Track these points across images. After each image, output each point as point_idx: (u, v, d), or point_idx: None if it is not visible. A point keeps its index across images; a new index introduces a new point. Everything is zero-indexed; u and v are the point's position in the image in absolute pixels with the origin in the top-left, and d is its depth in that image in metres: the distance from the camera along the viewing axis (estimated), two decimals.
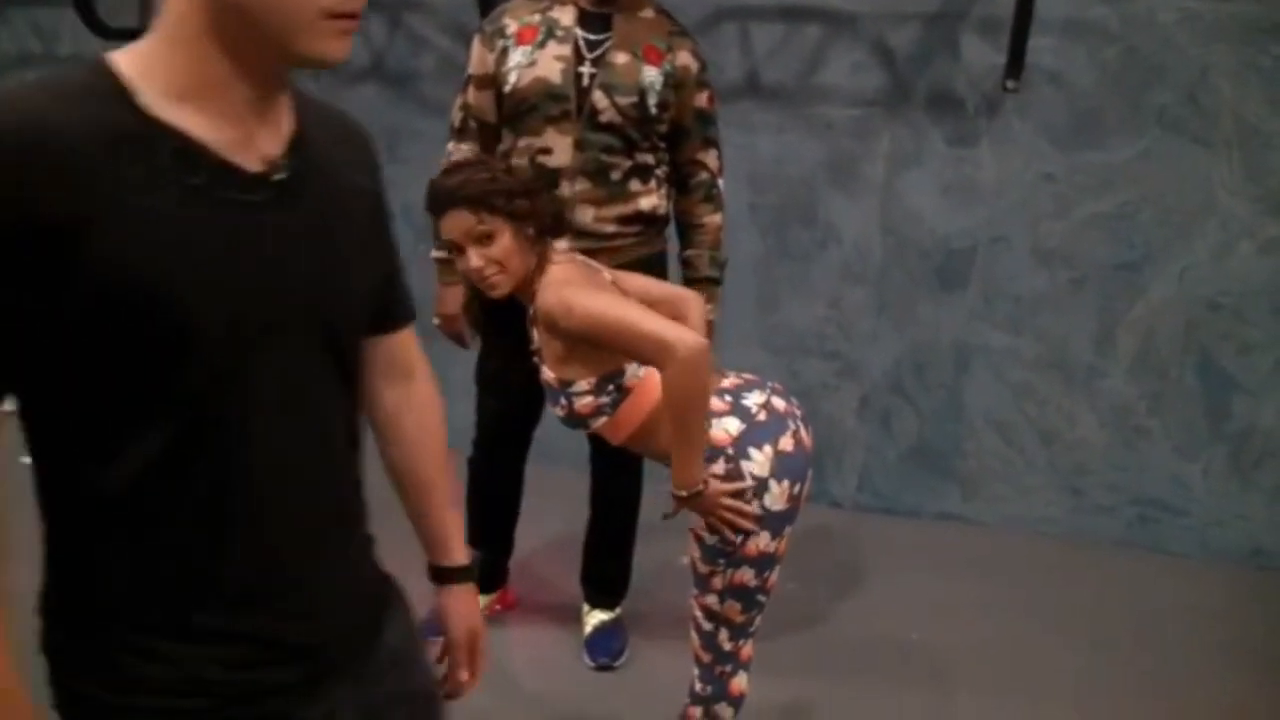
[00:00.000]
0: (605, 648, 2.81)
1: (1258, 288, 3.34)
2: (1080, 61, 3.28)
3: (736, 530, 1.86)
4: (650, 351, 1.78)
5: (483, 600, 2.94)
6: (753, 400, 1.94)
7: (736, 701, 2.09)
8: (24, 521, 1.07)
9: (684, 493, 1.85)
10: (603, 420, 1.96)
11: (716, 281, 2.66)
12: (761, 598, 1.99)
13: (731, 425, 1.90)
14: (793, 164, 3.61)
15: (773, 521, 1.90)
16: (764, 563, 1.93)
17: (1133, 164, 3.32)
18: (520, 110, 2.46)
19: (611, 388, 1.93)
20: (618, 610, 2.91)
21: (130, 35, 3.72)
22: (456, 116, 2.62)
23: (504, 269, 1.90)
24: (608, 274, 2.04)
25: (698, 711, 2.10)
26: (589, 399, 1.93)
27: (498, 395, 2.75)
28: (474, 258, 1.89)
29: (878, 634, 3.01)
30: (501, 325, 2.63)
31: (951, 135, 3.44)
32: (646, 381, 1.94)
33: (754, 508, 1.87)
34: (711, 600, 1.98)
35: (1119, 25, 3.23)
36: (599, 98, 2.41)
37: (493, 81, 2.50)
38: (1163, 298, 3.40)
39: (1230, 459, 3.48)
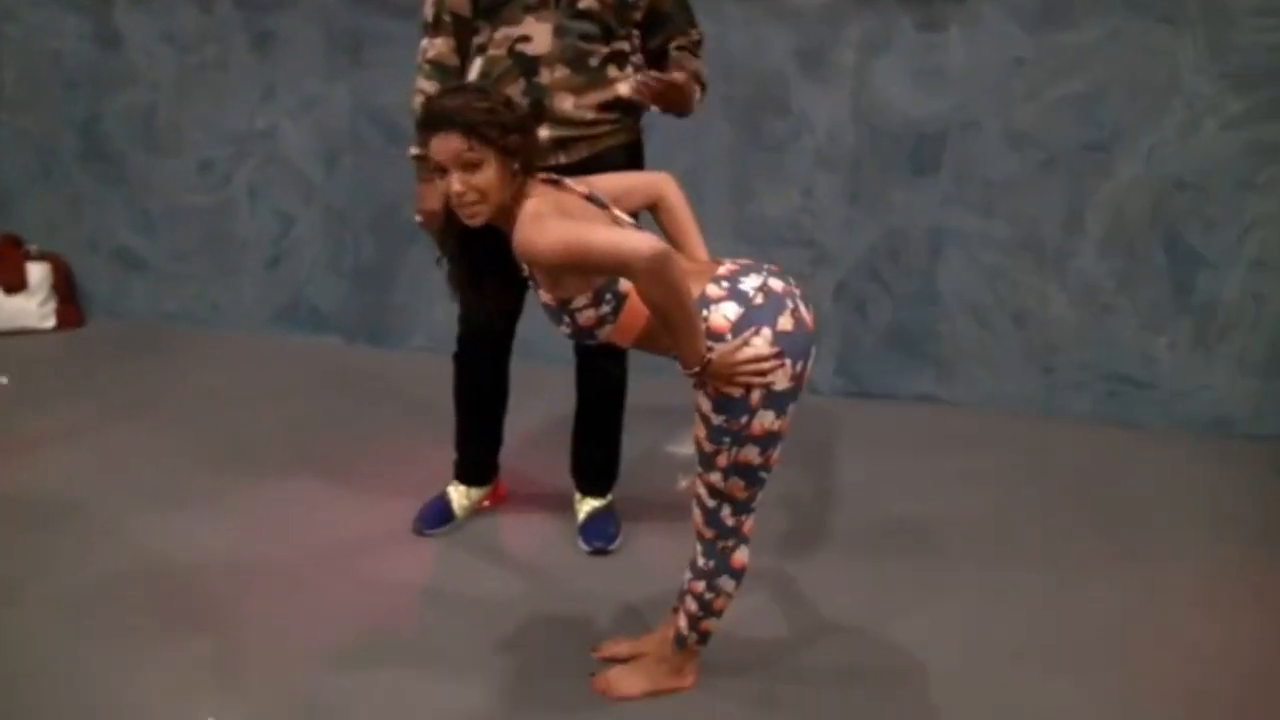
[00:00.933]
0: (599, 533, 2.88)
1: (1222, 164, 3.40)
2: None
3: (761, 377, 1.90)
4: (613, 268, 1.84)
5: (475, 494, 3.00)
6: (749, 284, 1.96)
7: (738, 574, 2.16)
8: None
9: (694, 369, 1.89)
10: (608, 329, 2.01)
11: (696, 77, 2.59)
12: (764, 475, 2.04)
13: (730, 310, 1.93)
14: (763, 55, 3.60)
15: (777, 400, 1.93)
16: (768, 441, 1.98)
17: (1101, 44, 3.36)
18: (498, 1, 2.45)
19: (609, 296, 1.96)
20: (609, 497, 2.97)
21: None
22: (429, 11, 2.59)
23: (484, 199, 1.93)
24: (579, 187, 2.06)
25: (701, 585, 2.17)
26: (590, 312, 1.97)
27: (476, 295, 2.77)
28: (456, 182, 1.91)
29: (862, 510, 3.10)
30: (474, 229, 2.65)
31: (921, 21, 3.45)
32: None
33: (768, 350, 1.89)
34: (716, 478, 2.03)
35: None
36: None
37: None
38: (1131, 177, 3.46)
39: (1195, 332, 3.58)
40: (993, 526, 3.02)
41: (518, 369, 2.92)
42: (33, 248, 4.57)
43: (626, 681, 2.29)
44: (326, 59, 4.05)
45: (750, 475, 2.02)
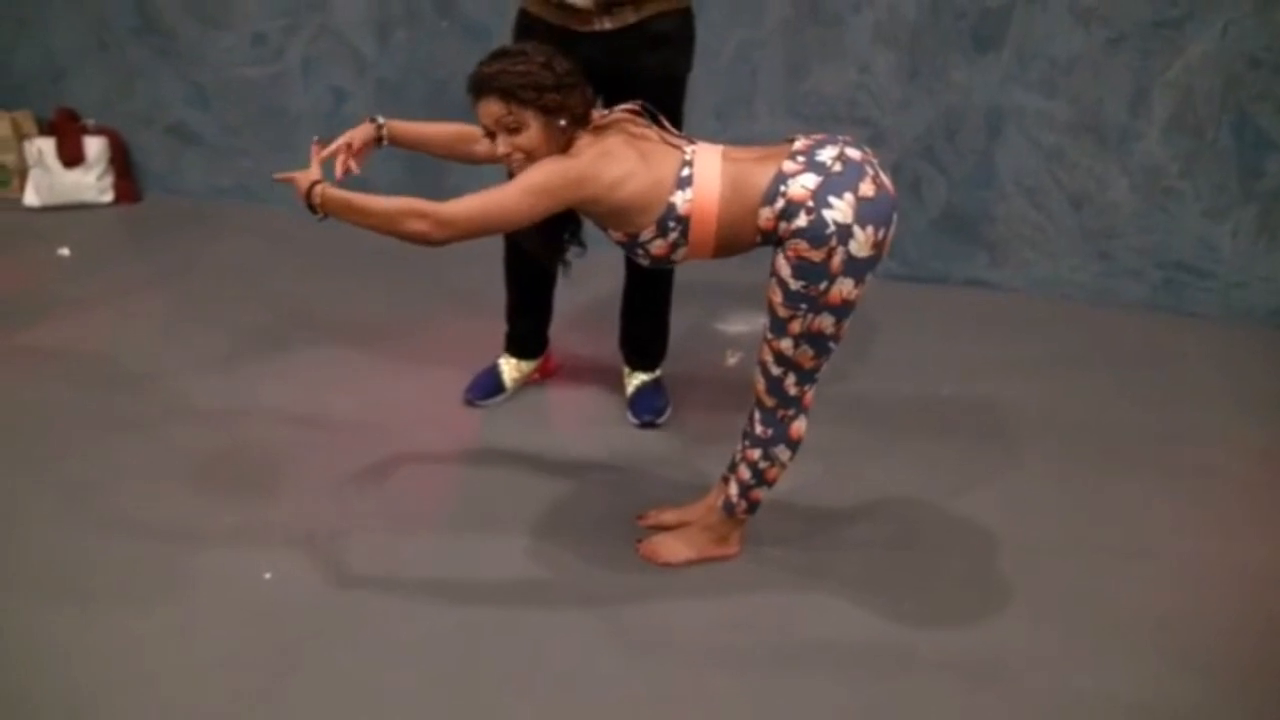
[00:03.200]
0: (649, 406, 2.91)
1: None
2: None
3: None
4: (462, 200, 1.96)
5: (525, 367, 3.04)
6: (826, 155, 1.95)
7: (795, 444, 2.18)
8: None
9: (313, 206, 2.03)
10: (682, 251, 2.05)
11: None
12: (834, 345, 2.05)
13: (809, 180, 1.92)
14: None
15: (857, 267, 1.94)
16: (844, 310, 1.99)
17: None
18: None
19: (671, 223, 2.00)
20: (658, 371, 2.99)
21: None
22: None
23: (530, 157, 2.02)
24: (628, 121, 2.11)
25: (757, 453, 2.19)
26: (659, 242, 2.03)
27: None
28: (502, 144, 2.03)
29: (911, 392, 3.10)
30: None
31: None
32: (698, 202, 1.99)
33: (839, 254, 1.91)
34: (786, 345, 2.04)
35: None
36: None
37: None
38: (1202, 55, 3.34)
39: (1259, 219, 3.49)
40: (1041, 412, 3.01)
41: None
42: (89, 122, 4.60)
43: (671, 548, 2.33)
44: None
45: (821, 344, 2.04)
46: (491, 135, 2.04)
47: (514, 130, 2.01)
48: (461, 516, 2.47)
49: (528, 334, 3.04)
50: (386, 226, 1.96)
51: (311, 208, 2.01)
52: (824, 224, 1.90)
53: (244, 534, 2.36)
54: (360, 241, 3.73)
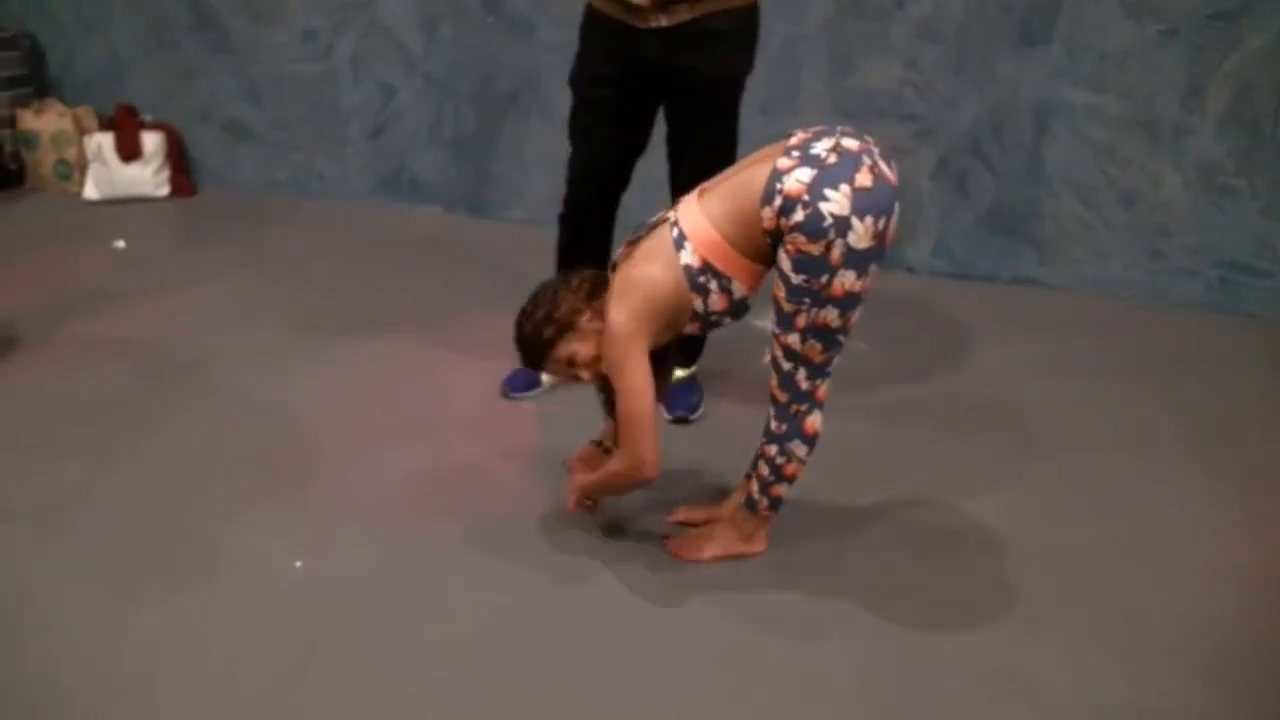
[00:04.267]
0: (682, 401, 2.90)
1: None
2: None
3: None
4: (628, 434, 2.09)
5: None
6: (821, 147, 1.93)
7: (811, 440, 2.16)
8: None
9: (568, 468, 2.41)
10: (736, 285, 2.07)
11: None
12: (842, 338, 2.03)
13: (803, 175, 1.90)
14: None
15: (857, 259, 1.91)
16: (848, 302, 1.96)
17: None
18: None
19: (701, 279, 2.05)
20: (693, 367, 2.98)
21: None
22: None
23: (593, 364, 2.15)
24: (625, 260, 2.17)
25: (773, 449, 2.17)
26: (713, 299, 2.08)
27: (589, 148, 2.77)
28: (582, 377, 2.18)
29: (949, 388, 3.05)
30: (597, 77, 2.66)
31: None
32: (699, 242, 2.04)
33: (838, 247, 1.90)
34: (793, 339, 2.03)
35: None
36: None
37: None
38: (1260, 48, 3.25)
39: None
40: (1084, 412, 2.94)
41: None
42: (147, 117, 4.71)
43: (698, 546, 2.32)
44: None
45: (828, 338, 2.01)
46: (573, 379, 2.20)
47: (571, 365, 2.16)
48: (490, 511, 2.47)
49: None
50: (622, 492, 2.29)
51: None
52: (820, 217, 1.88)
53: (278, 523, 2.39)
54: (410, 233, 3.79)
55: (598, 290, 2.17)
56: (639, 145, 2.76)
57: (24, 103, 4.83)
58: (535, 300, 2.19)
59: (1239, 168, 3.39)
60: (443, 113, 4.24)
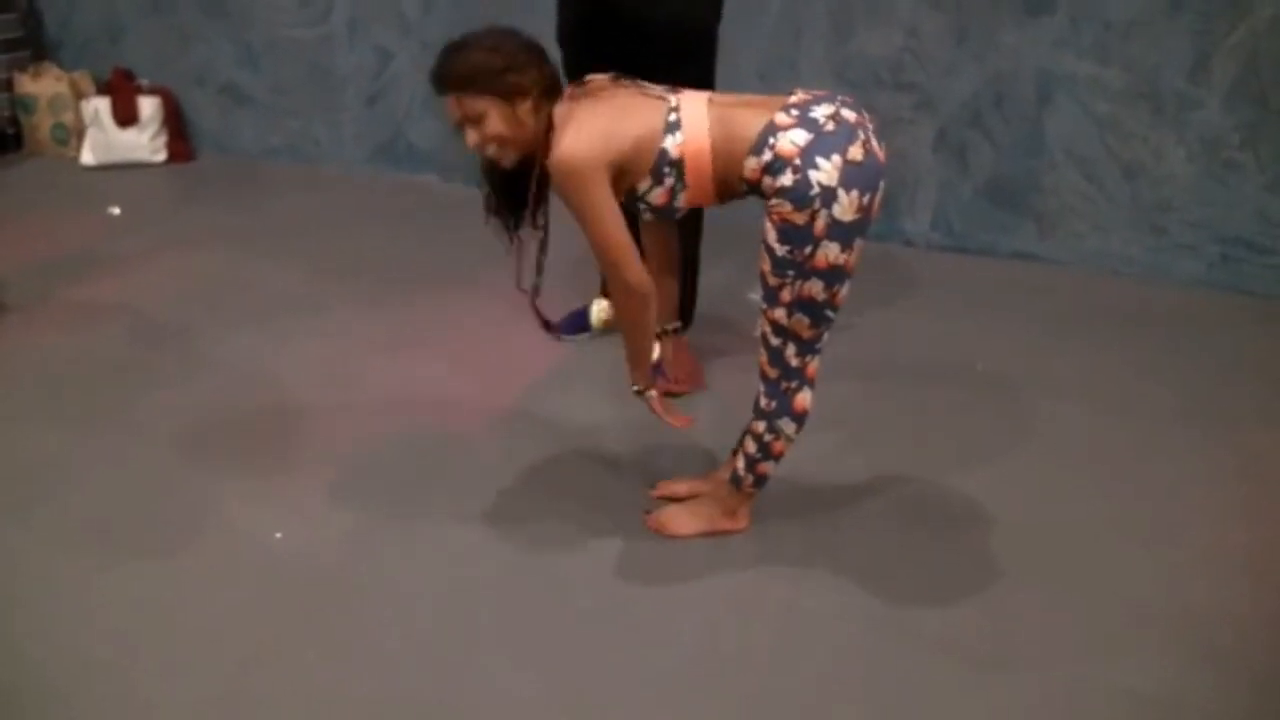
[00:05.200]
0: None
1: None
2: None
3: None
4: (606, 265, 1.97)
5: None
6: (820, 112, 1.90)
7: (800, 418, 2.13)
8: None
9: (635, 388, 2.16)
10: (683, 196, 2.00)
11: None
12: (830, 313, 2.00)
13: (799, 137, 1.87)
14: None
15: (841, 231, 1.89)
16: (833, 275, 1.93)
17: None
18: None
19: (666, 169, 1.96)
20: (684, 335, 2.95)
21: None
22: None
23: (503, 143, 1.97)
24: (601, 92, 2.05)
25: (761, 426, 2.15)
26: (657, 190, 1.99)
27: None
28: (470, 137, 1.97)
29: (942, 363, 3.01)
30: (576, 32, 2.67)
31: None
32: (689, 144, 1.94)
33: (823, 217, 1.88)
34: (780, 314, 2.00)
35: None
36: None
37: None
38: (1270, 17, 3.18)
39: None
40: (1078, 390, 2.90)
41: None
42: (144, 82, 4.67)
43: (679, 520, 2.30)
44: None
45: (815, 312, 1.98)
46: (461, 129, 1.99)
47: (477, 121, 1.95)
48: (472, 482, 2.46)
49: None
50: (647, 331, 2.09)
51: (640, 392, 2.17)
52: (808, 184, 1.85)
53: (260, 493, 2.38)
54: (409, 199, 3.77)
55: (554, 91, 2.03)
56: None
57: (21, 66, 4.81)
58: (497, 38, 2.01)
59: (1244, 141, 3.32)
60: None
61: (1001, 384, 2.91)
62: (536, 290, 2.30)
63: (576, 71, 2.69)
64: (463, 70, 1.95)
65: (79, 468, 2.47)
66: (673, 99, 2.00)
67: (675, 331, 2.44)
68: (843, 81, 3.61)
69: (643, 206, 2.04)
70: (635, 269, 1.97)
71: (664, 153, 1.95)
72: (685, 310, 2.95)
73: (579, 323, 3.13)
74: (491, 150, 1.99)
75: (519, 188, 2.11)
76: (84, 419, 2.67)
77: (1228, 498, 2.45)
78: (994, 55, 3.45)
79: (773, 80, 3.51)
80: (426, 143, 4.33)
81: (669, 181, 1.98)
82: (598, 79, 2.08)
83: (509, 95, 1.95)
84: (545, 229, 2.19)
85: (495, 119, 1.95)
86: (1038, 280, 3.53)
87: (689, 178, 1.97)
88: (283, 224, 3.95)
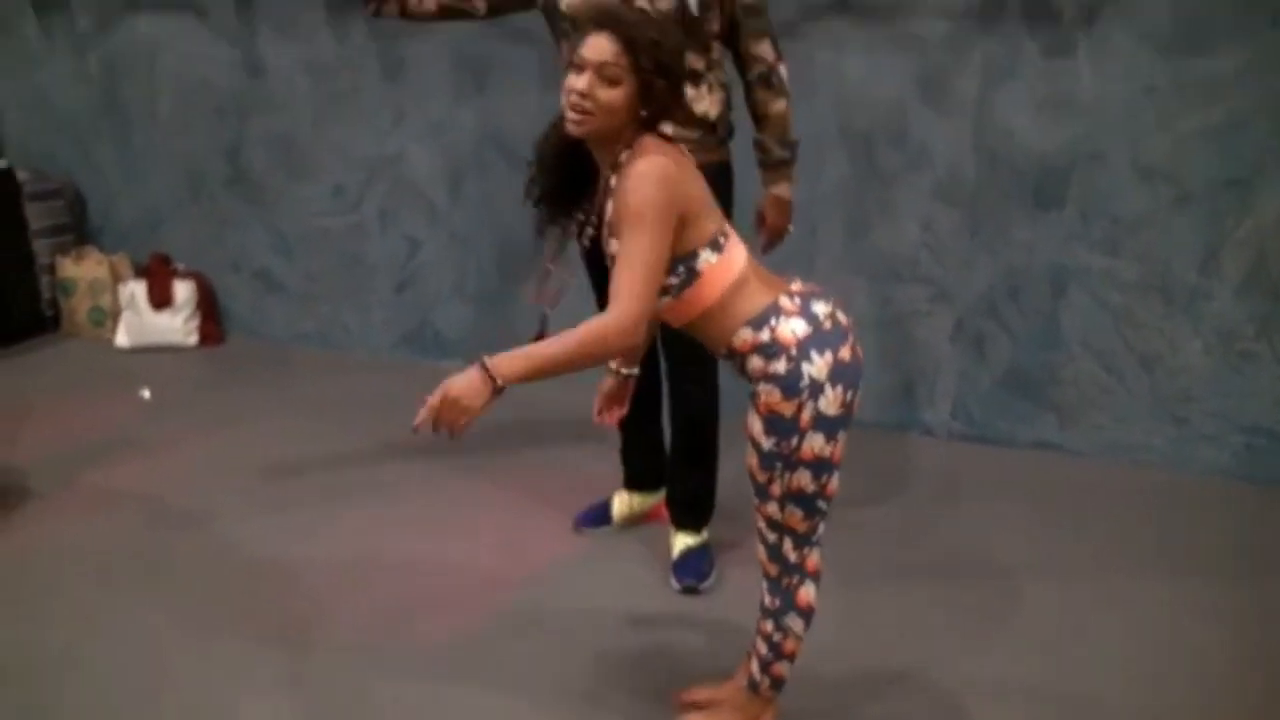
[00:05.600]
0: (691, 570, 2.83)
1: None
2: None
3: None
4: (621, 289, 1.82)
5: (636, 501, 3.14)
6: (820, 309, 1.96)
7: (806, 614, 2.10)
8: None
9: (494, 381, 1.83)
10: (667, 301, 1.96)
11: (788, 161, 2.72)
12: (822, 504, 2.00)
13: (799, 327, 1.92)
14: (882, 82, 3.52)
15: (826, 424, 1.92)
16: (820, 466, 1.95)
17: (1245, 71, 3.15)
18: (575, 25, 2.51)
19: (682, 269, 1.92)
20: (704, 534, 2.92)
21: None
22: None
23: (598, 114, 1.87)
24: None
25: (769, 625, 2.12)
26: (671, 278, 1.93)
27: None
28: (584, 81, 1.85)
29: (962, 558, 2.97)
30: (593, 245, 2.70)
31: (1047, 47, 3.31)
32: (718, 268, 1.93)
33: (809, 409, 1.90)
34: (772, 509, 2.01)
35: None
36: (643, 3, 2.44)
37: None
38: (1276, 213, 3.24)
39: None
40: (1100, 585, 2.85)
41: None
42: (180, 266, 4.81)
43: None
44: (454, 85, 4.14)
45: (807, 504, 1.99)
46: (579, 70, 1.87)
47: (608, 81, 1.85)
48: (489, 680, 2.42)
49: (635, 466, 3.12)
50: (582, 364, 1.83)
51: (496, 391, 1.84)
52: (800, 375, 1.90)
53: (273, 687, 2.36)
54: (432, 387, 3.80)
55: (653, 124, 1.95)
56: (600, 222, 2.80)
57: (64, 250, 4.96)
58: (682, 50, 1.97)
59: (1259, 332, 3.34)
60: (466, 268, 4.31)
61: (1014, 575, 2.89)
62: (545, 322, 2.20)
63: (595, 272, 2.78)
64: (644, 36, 1.86)
65: (88, 662, 2.45)
66: (727, 227, 1.99)
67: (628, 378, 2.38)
68: (861, 275, 3.68)
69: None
70: (641, 314, 1.82)
71: (694, 255, 1.91)
72: (702, 508, 2.93)
73: (600, 515, 3.12)
74: (584, 107, 1.86)
75: (565, 174, 2.02)
76: (96, 611, 2.66)
77: (1257, 695, 2.38)
78: (1007, 249, 3.51)
79: (790, 274, 3.55)
80: (453, 330, 4.42)
81: (672, 280, 1.92)
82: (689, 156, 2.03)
83: (649, 92, 1.88)
84: (582, 238, 2.10)
85: (621, 96, 1.86)
86: (1060, 471, 3.51)
87: (688, 293, 1.94)
88: (309, 409, 4.00)
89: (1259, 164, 3.21)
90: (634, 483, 3.13)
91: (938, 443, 3.70)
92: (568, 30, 2.55)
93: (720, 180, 2.60)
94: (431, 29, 3.88)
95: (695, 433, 2.86)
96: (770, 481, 1.97)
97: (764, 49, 2.61)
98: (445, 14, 2.77)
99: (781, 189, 2.75)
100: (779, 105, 2.63)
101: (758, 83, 2.64)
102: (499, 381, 1.83)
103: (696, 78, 2.55)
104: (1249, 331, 3.34)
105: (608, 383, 2.36)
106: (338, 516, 3.19)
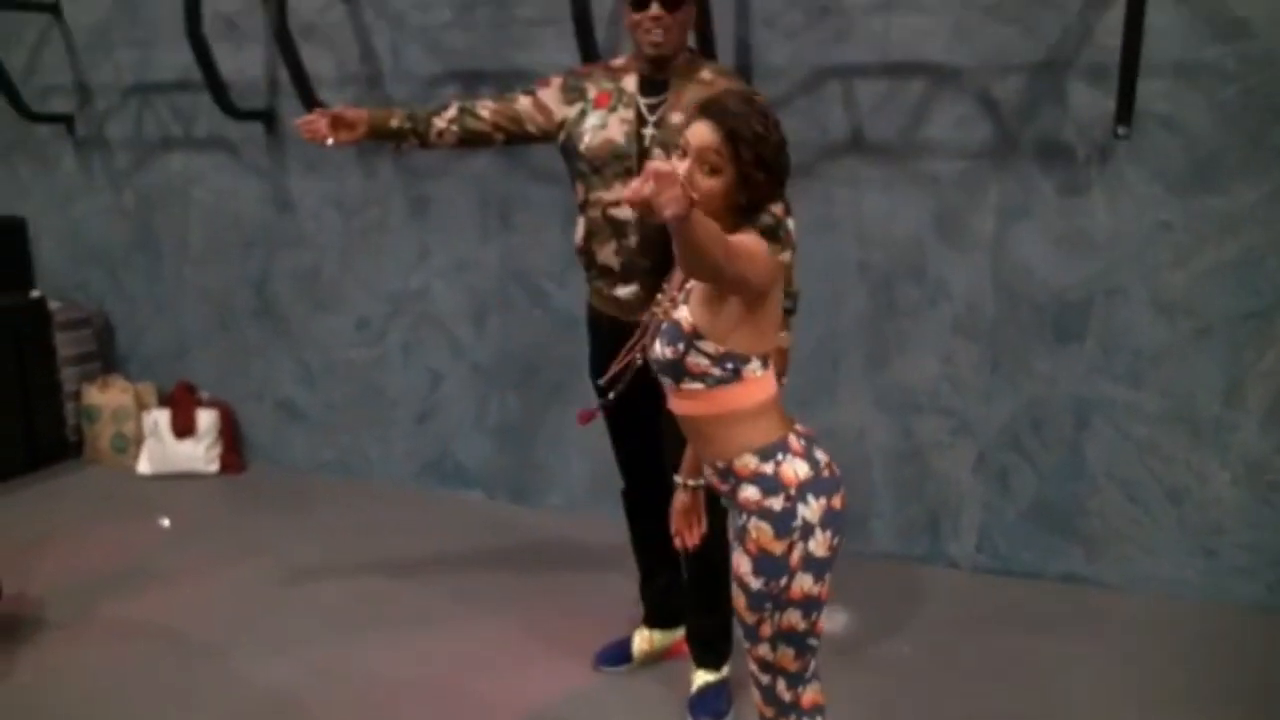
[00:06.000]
0: (708, 708, 2.79)
1: None
2: (1195, 104, 3.19)
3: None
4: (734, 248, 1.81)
5: (657, 639, 3.10)
6: (821, 456, 2.00)
7: None
8: None
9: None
10: (697, 388, 1.96)
11: (790, 311, 2.73)
12: (813, 641, 2.01)
13: (801, 469, 1.95)
14: (900, 220, 3.58)
15: (815, 566, 1.95)
16: (810, 605, 1.96)
17: (1258, 207, 3.20)
18: (594, 167, 2.65)
19: (730, 366, 1.93)
20: (723, 671, 2.88)
21: (259, 116, 3.96)
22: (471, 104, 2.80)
23: (698, 201, 1.76)
24: None
25: None
26: (705, 361, 1.94)
27: (622, 440, 2.94)
28: (684, 167, 1.88)
29: (991, 695, 2.91)
30: (605, 371, 2.73)
31: (1062, 184, 3.37)
32: (760, 382, 1.96)
33: (799, 550, 1.93)
34: (764, 650, 2.00)
35: (1235, 65, 3.13)
36: (658, 155, 2.55)
37: (542, 114, 2.73)
38: None
39: None
40: (1131, 714, 2.79)
41: None
42: (204, 395, 4.86)
43: None
44: (479, 222, 4.22)
45: (798, 643, 2.00)
46: (683, 155, 1.91)
47: (709, 169, 1.89)
48: None
49: (655, 602, 3.09)
50: (721, 255, 1.75)
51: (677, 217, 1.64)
52: (794, 516, 1.92)
53: None
54: (454, 518, 3.83)
55: (753, 215, 2.02)
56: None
57: (90, 378, 5.02)
58: (784, 147, 1.97)
59: None
60: (488, 400, 4.34)
61: (1038, 712, 2.80)
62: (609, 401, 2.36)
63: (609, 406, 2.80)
64: (748, 128, 1.89)
65: None
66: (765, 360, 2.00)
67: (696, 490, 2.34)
68: (881, 407, 3.68)
69: (680, 346, 1.95)
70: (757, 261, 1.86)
71: (747, 360, 1.94)
72: (720, 645, 2.89)
73: (620, 654, 3.07)
74: (686, 193, 1.77)
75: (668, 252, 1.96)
76: None
77: None
78: (1029, 382, 3.52)
79: (813, 408, 3.56)
80: (473, 461, 4.42)
81: (714, 372, 1.94)
82: None
83: (747, 185, 1.92)
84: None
85: (720, 185, 1.90)
86: (1090, 603, 3.45)
87: (724, 391, 1.95)
88: (328, 541, 3.98)
89: (1277, 297, 3.22)
90: (654, 620, 3.10)
91: (963, 575, 3.65)
92: (584, 172, 2.65)
93: None
94: (454, 160, 4.01)
95: (707, 570, 2.84)
96: (760, 623, 1.98)
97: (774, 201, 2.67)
98: (464, 144, 2.86)
99: (781, 338, 2.75)
100: (784, 257, 2.67)
101: (765, 234, 2.66)
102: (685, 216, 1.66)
103: None
104: (1277, 463, 3.31)
105: (680, 499, 2.32)
106: (356, 649, 3.15)
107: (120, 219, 4.98)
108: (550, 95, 2.75)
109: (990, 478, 3.64)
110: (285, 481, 4.67)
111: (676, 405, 2.03)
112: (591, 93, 2.69)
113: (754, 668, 2.05)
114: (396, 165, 4.30)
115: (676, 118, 2.57)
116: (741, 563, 1.97)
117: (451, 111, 2.79)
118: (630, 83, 2.66)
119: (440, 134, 2.80)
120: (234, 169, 4.65)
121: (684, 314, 1.95)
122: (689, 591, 2.89)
